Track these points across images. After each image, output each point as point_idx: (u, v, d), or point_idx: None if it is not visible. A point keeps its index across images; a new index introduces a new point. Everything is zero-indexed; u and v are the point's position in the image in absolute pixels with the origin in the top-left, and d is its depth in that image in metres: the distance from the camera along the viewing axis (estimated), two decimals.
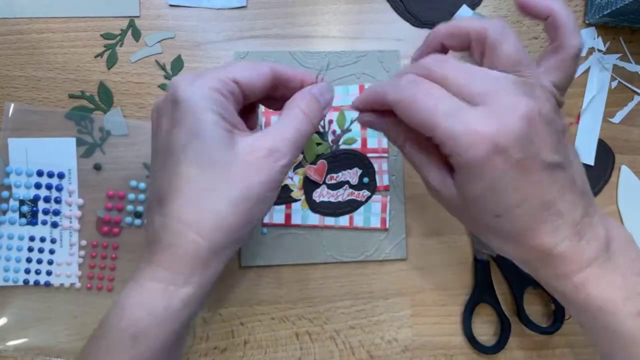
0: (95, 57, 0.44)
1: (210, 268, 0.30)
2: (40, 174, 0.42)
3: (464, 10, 0.43)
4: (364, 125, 0.34)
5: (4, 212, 0.42)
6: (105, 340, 0.29)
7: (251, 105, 0.34)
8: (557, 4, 0.31)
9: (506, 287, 0.45)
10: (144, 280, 0.29)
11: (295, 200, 0.44)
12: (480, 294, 0.44)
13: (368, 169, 0.44)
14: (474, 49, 0.31)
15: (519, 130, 0.27)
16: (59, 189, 0.43)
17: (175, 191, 0.29)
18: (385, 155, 0.44)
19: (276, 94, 0.34)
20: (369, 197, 0.44)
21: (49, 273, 0.42)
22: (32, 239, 0.42)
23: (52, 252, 0.42)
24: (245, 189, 0.29)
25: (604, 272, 0.29)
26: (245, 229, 0.30)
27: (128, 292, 0.29)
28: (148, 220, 0.31)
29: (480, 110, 0.27)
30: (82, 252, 0.43)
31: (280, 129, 0.31)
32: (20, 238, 0.42)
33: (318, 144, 0.44)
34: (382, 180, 0.44)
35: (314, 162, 0.44)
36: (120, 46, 0.44)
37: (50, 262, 0.42)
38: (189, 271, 0.29)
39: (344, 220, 0.44)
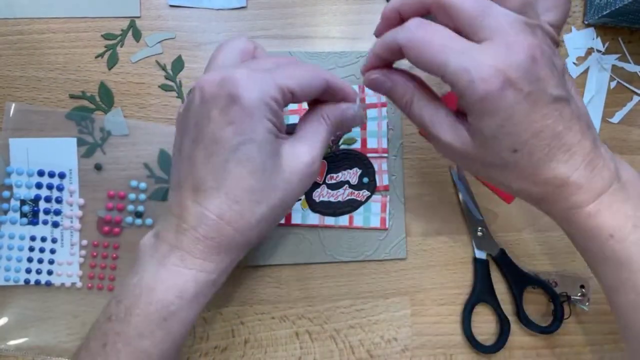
0: (96, 57, 0.44)
1: (236, 258, 0.32)
2: (41, 173, 0.42)
3: None
4: (370, 85, 0.34)
5: (5, 212, 0.42)
6: (133, 323, 0.30)
7: None
8: None
9: (506, 287, 0.45)
10: (173, 266, 0.30)
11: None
12: (480, 293, 0.44)
13: (368, 169, 0.44)
14: (437, 14, 0.31)
15: (527, 65, 0.28)
16: (60, 188, 0.43)
17: (219, 186, 0.30)
18: (385, 155, 0.44)
19: (318, 97, 0.34)
20: (368, 197, 0.44)
21: (49, 273, 0.43)
22: (33, 238, 0.43)
23: (52, 251, 0.43)
24: (286, 196, 0.31)
25: (616, 200, 0.30)
26: (271, 229, 0.33)
27: (155, 275, 0.30)
28: (175, 201, 0.32)
29: (489, 45, 0.28)
30: (83, 252, 0.43)
31: (314, 139, 0.33)
32: (21, 238, 0.43)
33: None
34: (382, 180, 0.44)
35: None
36: (121, 46, 0.44)
37: (51, 262, 0.43)
38: (220, 260, 0.31)
39: (343, 220, 0.44)
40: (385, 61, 0.33)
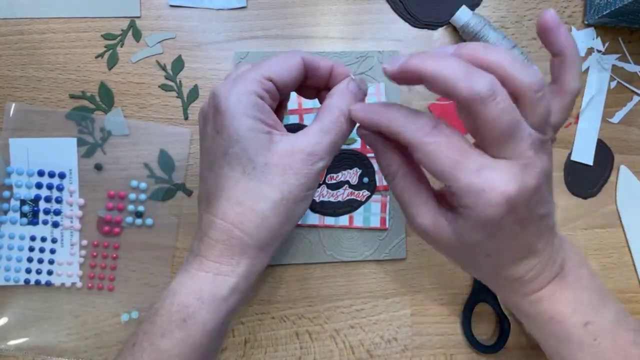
0: (96, 57, 0.44)
1: (255, 261, 0.32)
2: (41, 173, 0.43)
3: (463, 11, 0.43)
4: (362, 137, 0.32)
5: (5, 212, 0.42)
6: (157, 323, 0.31)
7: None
8: (572, 46, 0.31)
9: None
10: (194, 270, 0.31)
11: None
12: (480, 293, 0.44)
13: (368, 169, 0.44)
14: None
15: (532, 193, 0.28)
16: (60, 188, 0.43)
17: (220, 192, 0.31)
18: None
19: (307, 83, 0.34)
20: (368, 197, 0.44)
21: (49, 273, 0.43)
22: (33, 238, 0.43)
23: (53, 251, 0.43)
24: (284, 191, 0.31)
25: (557, 288, 0.32)
26: (286, 226, 0.32)
27: (180, 280, 0.32)
28: (198, 216, 0.34)
29: (505, 165, 0.27)
30: (83, 252, 0.43)
31: (319, 131, 0.31)
32: (21, 238, 0.43)
33: None
34: (382, 180, 0.44)
35: None
36: (121, 46, 0.44)
37: (51, 262, 0.43)
38: (236, 263, 0.31)
39: (343, 220, 0.44)
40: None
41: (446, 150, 0.27)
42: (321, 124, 0.31)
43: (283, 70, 0.32)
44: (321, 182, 0.44)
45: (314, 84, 0.34)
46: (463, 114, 0.28)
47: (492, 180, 0.27)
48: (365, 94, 0.34)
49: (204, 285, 0.31)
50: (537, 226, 0.30)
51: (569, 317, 0.32)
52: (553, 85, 0.32)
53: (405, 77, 0.28)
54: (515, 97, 0.27)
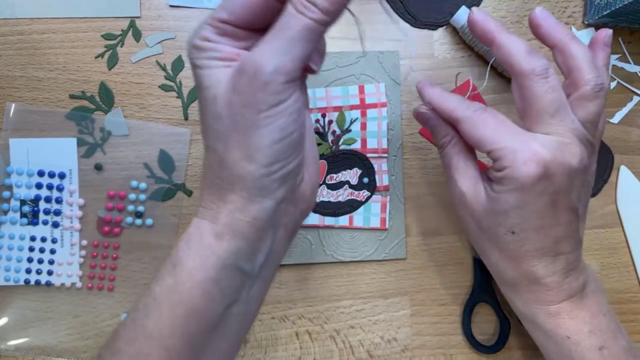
0: (96, 57, 0.44)
1: (239, 208, 0.27)
2: (41, 174, 0.43)
3: (463, 12, 0.43)
4: (419, 117, 0.37)
5: (5, 212, 0.42)
6: (159, 269, 0.29)
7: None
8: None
9: None
10: (193, 220, 0.29)
11: None
12: (480, 293, 0.44)
13: (368, 169, 0.44)
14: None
15: (569, 170, 0.30)
16: (60, 189, 0.43)
17: (213, 139, 0.27)
18: (385, 155, 0.44)
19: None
20: (368, 197, 0.44)
21: (49, 273, 0.43)
22: (33, 238, 0.43)
23: (53, 252, 0.43)
24: (248, 120, 0.26)
25: (576, 307, 0.33)
26: (283, 148, 0.26)
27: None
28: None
29: (544, 137, 0.31)
30: (83, 252, 0.43)
31: (266, 39, 0.26)
32: (21, 238, 0.43)
33: (318, 144, 0.44)
34: (382, 180, 0.44)
35: None
36: (121, 47, 0.44)
37: (51, 262, 0.43)
38: (217, 207, 0.27)
39: (343, 220, 0.44)
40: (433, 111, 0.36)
41: (491, 119, 0.32)
42: (271, 29, 0.26)
43: (236, 6, 0.27)
44: (321, 182, 0.44)
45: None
46: (516, 89, 0.32)
47: (530, 143, 0.30)
48: None
49: (192, 230, 0.28)
50: (568, 218, 0.32)
51: (585, 339, 0.33)
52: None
53: (480, 32, 0.32)
54: (575, 88, 0.31)
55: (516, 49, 0.31)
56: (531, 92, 0.30)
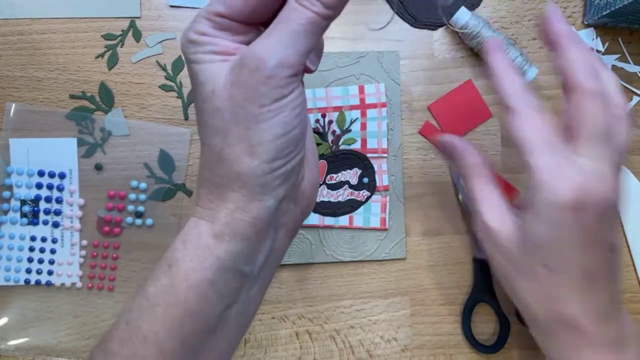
0: (96, 57, 0.44)
1: (241, 207, 0.26)
2: (41, 174, 0.43)
3: (463, 12, 0.43)
4: (441, 146, 0.37)
5: (6, 212, 0.42)
6: (153, 269, 0.28)
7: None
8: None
9: None
10: (190, 220, 0.28)
11: None
12: (480, 293, 0.44)
13: (368, 169, 0.44)
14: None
15: (604, 201, 0.28)
16: (60, 189, 0.43)
17: (210, 136, 0.27)
18: (385, 155, 0.44)
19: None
20: (368, 197, 0.44)
21: (50, 273, 0.43)
22: (33, 238, 0.43)
23: (53, 252, 0.43)
24: (250, 113, 0.25)
25: (614, 358, 0.30)
26: (285, 144, 0.26)
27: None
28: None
29: (582, 161, 0.29)
30: (83, 252, 0.43)
31: (268, 33, 0.25)
32: (22, 238, 0.43)
33: (318, 144, 0.44)
34: (382, 180, 0.44)
35: None
36: (121, 47, 0.44)
37: (51, 262, 0.43)
38: (218, 205, 0.27)
39: (343, 220, 0.44)
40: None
41: (540, 123, 0.29)
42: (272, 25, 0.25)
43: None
44: (321, 182, 0.44)
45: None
46: (567, 101, 0.30)
47: (567, 165, 0.28)
48: None
49: (190, 230, 0.27)
50: (607, 255, 0.29)
51: None
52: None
53: (546, 33, 0.31)
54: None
55: (580, 60, 0.29)
56: (584, 110, 0.29)
